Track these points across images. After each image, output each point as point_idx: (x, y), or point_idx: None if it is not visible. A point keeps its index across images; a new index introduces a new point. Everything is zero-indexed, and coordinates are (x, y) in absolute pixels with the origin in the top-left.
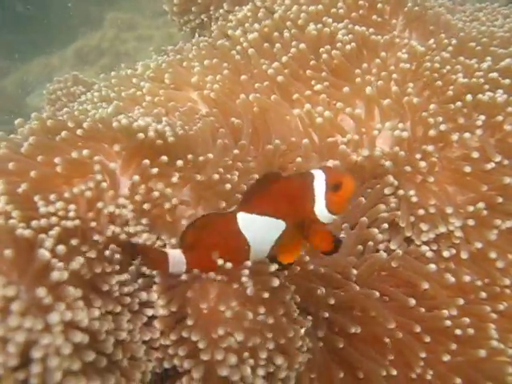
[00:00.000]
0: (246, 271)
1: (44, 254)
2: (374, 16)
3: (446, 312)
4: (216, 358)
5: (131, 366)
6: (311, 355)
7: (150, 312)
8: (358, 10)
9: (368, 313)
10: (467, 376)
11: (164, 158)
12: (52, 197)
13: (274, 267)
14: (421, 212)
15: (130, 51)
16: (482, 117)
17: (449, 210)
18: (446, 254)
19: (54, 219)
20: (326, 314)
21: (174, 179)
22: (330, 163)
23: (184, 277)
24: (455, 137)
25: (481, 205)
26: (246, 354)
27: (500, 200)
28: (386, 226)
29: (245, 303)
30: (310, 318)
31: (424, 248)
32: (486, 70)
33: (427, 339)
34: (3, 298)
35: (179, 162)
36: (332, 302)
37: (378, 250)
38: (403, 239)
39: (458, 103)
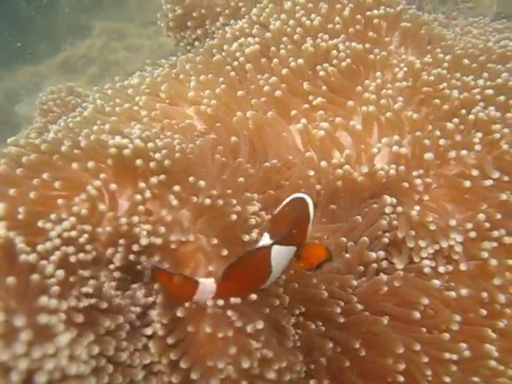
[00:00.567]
0: None
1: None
2: (370, 32)
3: (447, 335)
4: None
5: None
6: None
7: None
8: (355, 25)
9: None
10: None
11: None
12: (53, 217)
13: None
14: (420, 228)
15: (120, 60)
16: (479, 134)
17: (452, 223)
18: (441, 269)
19: (57, 241)
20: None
21: (174, 202)
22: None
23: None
24: (453, 154)
25: (481, 217)
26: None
27: (499, 216)
28: (386, 240)
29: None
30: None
31: (424, 263)
32: (483, 87)
33: (426, 359)
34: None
35: (176, 188)
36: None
37: (378, 271)
38: (407, 257)
39: (455, 120)
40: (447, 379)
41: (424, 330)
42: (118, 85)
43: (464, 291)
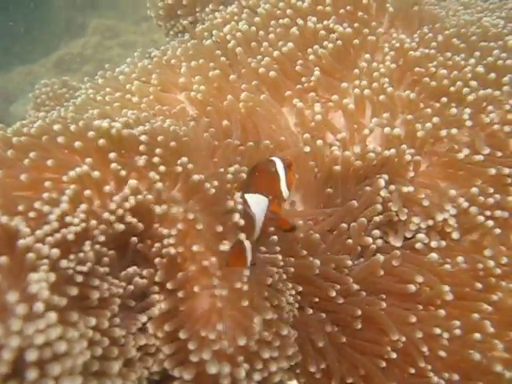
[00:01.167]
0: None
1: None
2: (360, 13)
3: (442, 312)
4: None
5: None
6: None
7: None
8: (345, 6)
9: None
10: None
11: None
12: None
13: None
14: (413, 204)
15: (115, 58)
16: (468, 110)
17: (451, 193)
18: (434, 244)
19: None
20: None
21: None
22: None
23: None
24: (444, 132)
25: (475, 191)
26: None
27: (491, 191)
28: (377, 219)
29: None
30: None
31: (419, 237)
32: (474, 65)
33: (420, 335)
34: None
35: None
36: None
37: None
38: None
39: (444, 99)
40: (442, 353)
41: (420, 307)
42: (109, 73)
43: (460, 262)
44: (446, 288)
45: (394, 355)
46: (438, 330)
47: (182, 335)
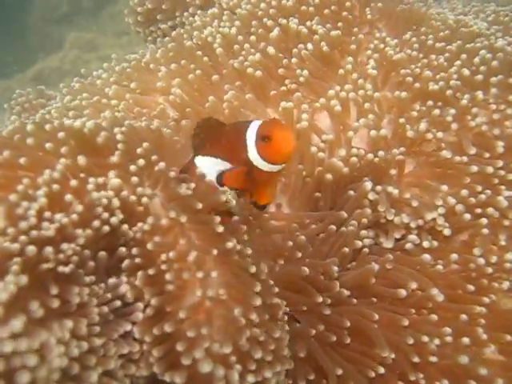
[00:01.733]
0: None
1: None
2: (344, 13)
3: (434, 316)
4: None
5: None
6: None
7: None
8: (330, 6)
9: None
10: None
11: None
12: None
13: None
14: (400, 204)
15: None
16: (452, 111)
17: (443, 188)
18: (425, 244)
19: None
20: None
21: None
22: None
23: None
24: (430, 135)
25: (464, 192)
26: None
27: (480, 189)
28: (365, 221)
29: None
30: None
31: (410, 238)
32: (459, 66)
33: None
34: None
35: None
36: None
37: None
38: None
39: (430, 102)
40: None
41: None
42: (88, 79)
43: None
44: (438, 291)
45: (382, 370)
46: (426, 338)
47: (167, 328)
